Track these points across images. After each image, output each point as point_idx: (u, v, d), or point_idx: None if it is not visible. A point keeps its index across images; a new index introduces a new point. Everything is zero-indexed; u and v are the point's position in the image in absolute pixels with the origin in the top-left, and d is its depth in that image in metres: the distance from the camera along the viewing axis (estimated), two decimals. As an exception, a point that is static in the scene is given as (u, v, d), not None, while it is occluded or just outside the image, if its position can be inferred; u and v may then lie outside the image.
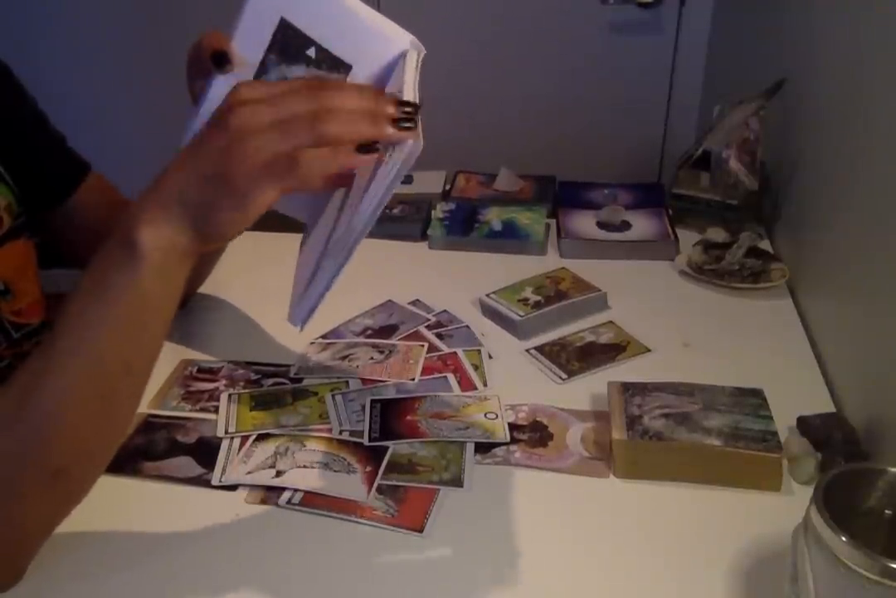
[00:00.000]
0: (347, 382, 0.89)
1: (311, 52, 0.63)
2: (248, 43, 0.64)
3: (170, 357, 0.94)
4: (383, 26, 0.62)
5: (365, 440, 0.80)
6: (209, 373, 0.92)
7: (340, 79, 0.64)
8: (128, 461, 0.78)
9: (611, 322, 1.01)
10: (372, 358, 0.93)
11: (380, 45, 0.63)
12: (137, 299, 0.59)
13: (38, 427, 0.59)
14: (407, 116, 0.56)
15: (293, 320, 0.64)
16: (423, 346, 0.95)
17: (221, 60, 0.65)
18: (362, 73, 0.63)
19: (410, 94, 0.57)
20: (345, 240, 0.58)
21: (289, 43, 0.63)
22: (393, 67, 0.63)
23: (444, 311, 1.03)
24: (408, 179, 1.38)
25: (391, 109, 0.55)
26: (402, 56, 0.61)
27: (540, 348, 0.96)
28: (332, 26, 0.63)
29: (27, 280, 0.84)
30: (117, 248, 0.58)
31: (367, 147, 0.56)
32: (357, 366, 0.92)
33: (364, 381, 0.89)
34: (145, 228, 0.57)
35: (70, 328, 0.59)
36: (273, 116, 0.54)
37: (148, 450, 0.80)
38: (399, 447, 0.79)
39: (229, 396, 0.87)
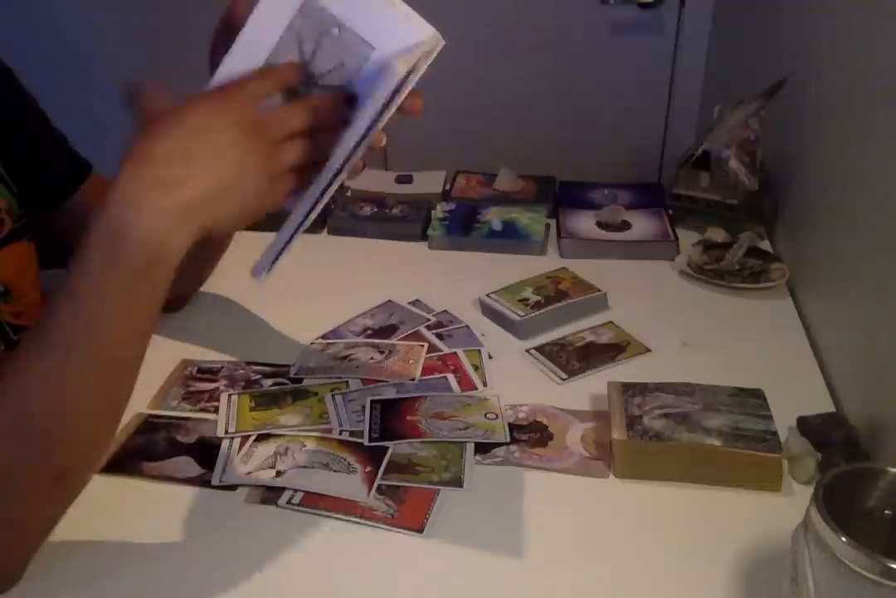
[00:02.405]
0: (347, 382, 0.89)
1: (336, 31, 0.63)
2: (272, 17, 0.64)
3: (170, 357, 0.94)
4: (410, 14, 0.63)
5: (365, 440, 0.80)
6: (209, 373, 0.92)
7: (351, 68, 0.64)
8: (128, 461, 0.78)
9: (611, 322, 1.01)
10: (372, 358, 0.93)
11: (403, 33, 0.63)
12: (126, 295, 0.58)
13: (43, 431, 0.59)
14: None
15: (255, 273, 0.65)
16: (423, 346, 0.95)
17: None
18: (383, 55, 0.63)
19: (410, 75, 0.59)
20: (323, 176, 0.60)
21: (312, 20, 0.63)
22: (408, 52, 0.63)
23: (444, 311, 1.03)
24: (408, 179, 1.38)
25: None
26: (418, 45, 0.62)
27: (540, 348, 0.96)
28: (359, 7, 0.63)
29: (28, 282, 0.84)
30: (104, 243, 0.57)
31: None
32: (357, 366, 0.92)
33: (364, 381, 0.89)
34: (135, 222, 0.56)
35: (65, 330, 0.58)
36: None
37: (148, 450, 0.80)
38: (399, 448, 0.79)
39: (229, 396, 0.87)
